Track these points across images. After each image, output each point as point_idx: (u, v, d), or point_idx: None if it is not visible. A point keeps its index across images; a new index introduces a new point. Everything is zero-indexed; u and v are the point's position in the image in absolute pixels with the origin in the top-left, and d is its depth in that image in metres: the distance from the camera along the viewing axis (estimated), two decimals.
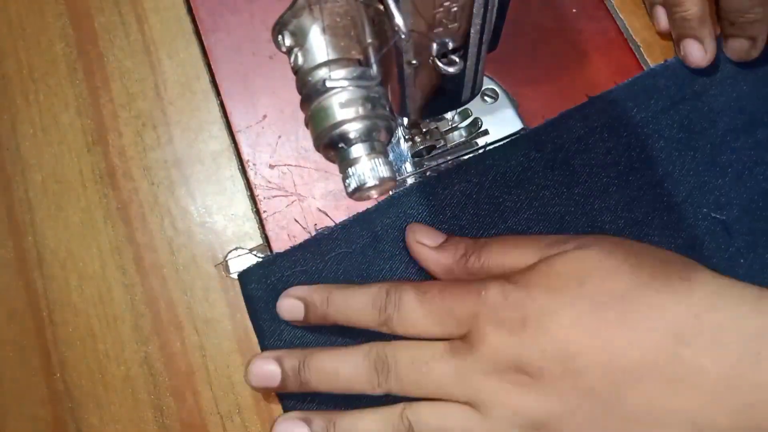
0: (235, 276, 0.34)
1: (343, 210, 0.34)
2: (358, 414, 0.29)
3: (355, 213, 0.33)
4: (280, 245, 0.34)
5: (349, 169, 0.23)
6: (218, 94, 0.37)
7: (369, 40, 0.23)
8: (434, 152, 0.34)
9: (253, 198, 0.35)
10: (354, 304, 0.30)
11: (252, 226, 0.35)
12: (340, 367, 0.29)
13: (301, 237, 0.34)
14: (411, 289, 0.29)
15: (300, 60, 0.23)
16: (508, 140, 0.33)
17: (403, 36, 0.22)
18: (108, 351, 0.34)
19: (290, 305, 0.31)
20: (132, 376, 0.33)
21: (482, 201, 0.32)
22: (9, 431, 0.33)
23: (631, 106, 0.33)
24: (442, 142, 0.33)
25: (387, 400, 0.29)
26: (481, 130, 0.33)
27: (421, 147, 0.33)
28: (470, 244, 0.30)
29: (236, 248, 0.35)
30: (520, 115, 0.35)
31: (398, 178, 0.33)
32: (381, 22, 0.24)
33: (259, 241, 0.35)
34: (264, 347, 0.32)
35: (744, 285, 0.25)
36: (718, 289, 0.25)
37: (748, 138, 0.33)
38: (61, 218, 0.36)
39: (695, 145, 0.33)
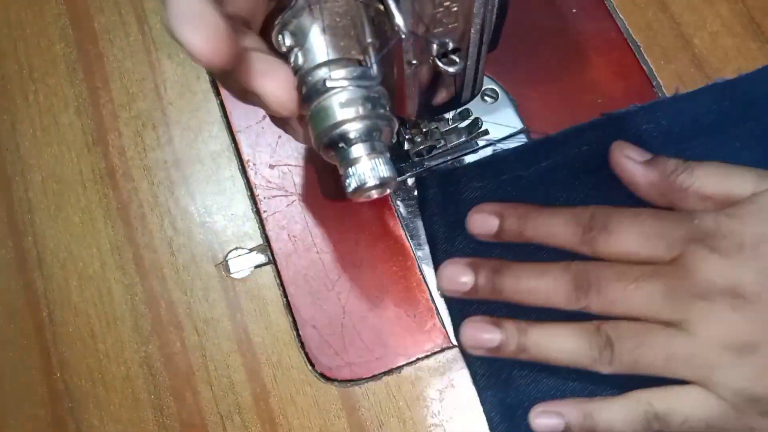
0: (235, 276, 0.34)
1: (344, 210, 0.34)
2: (553, 325, 0.29)
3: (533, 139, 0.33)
4: (280, 245, 0.34)
5: (350, 169, 0.23)
6: (218, 94, 0.37)
7: (369, 40, 0.23)
8: (434, 152, 0.34)
9: (253, 198, 0.35)
10: (555, 220, 0.30)
11: (252, 226, 0.35)
12: (537, 279, 0.29)
13: (302, 237, 0.34)
14: (621, 210, 0.29)
15: (300, 60, 0.23)
16: (700, 89, 0.33)
17: (403, 36, 0.22)
18: (108, 351, 0.34)
19: (484, 219, 0.31)
20: (132, 376, 0.33)
21: (668, 147, 0.32)
22: (9, 431, 0.33)
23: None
24: (442, 142, 0.33)
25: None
26: (481, 130, 0.33)
27: (422, 147, 0.33)
28: (680, 162, 0.30)
29: (236, 248, 0.35)
30: (520, 115, 0.35)
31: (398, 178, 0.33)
32: (381, 22, 0.24)
33: (259, 241, 0.35)
34: (436, 252, 0.32)
35: None
36: None
37: None
38: (60, 218, 0.36)
39: None
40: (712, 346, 0.26)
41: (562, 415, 0.29)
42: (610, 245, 0.29)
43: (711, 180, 0.29)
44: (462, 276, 0.30)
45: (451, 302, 0.32)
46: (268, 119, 0.36)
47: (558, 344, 0.29)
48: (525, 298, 0.29)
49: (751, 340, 0.26)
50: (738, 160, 0.30)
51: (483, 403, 0.31)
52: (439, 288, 0.31)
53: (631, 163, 0.31)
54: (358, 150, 0.23)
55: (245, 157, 0.36)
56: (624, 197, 0.31)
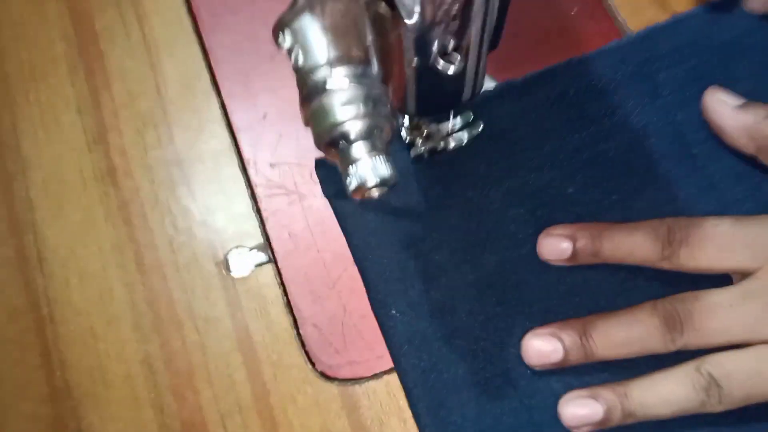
0: (235, 275, 0.34)
1: None
2: (649, 379, 0.28)
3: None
4: (280, 244, 0.34)
5: (350, 167, 0.23)
6: (219, 93, 0.37)
7: (370, 39, 0.23)
8: (436, 154, 0.34)
9: (253, 197, 0.35)
10: (633, 238, 0.29)
11: (253, 224, 0.35)
12: (628, 331, 0.28)
13: (303, 236, 0.34)
14: (700, 221, 0.28)
15: (300, 59, 0.23)
16: (596, 51, 0.34)
17: (408, 26, 0.22)
18: (108, 350, 0.34)
19: (555, 243, 0.30)
20: (132, 375, 0.33)
21: (564, 108, 0.33)
22: (9, 430, 0.33)
23: (717, 30, 0.33)
24: (443, 144, 0.33)
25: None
26: (482, 130, 0.33)
27: (423, 149, 0.33)
28: None
29: (237, 247, 0.35)
30: None
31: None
32: (382, 20, 0.24)
33: (260, 239, 0.35)
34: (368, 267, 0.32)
35: None
36: None
37: None
38: (61, 217, 0.36)
39: None
40: None
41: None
42: (692, 260, 0.28)
43: None
44: (548, 347, 0.29)
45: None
46: (268, 118, 0.36)
47: (661, 398, 0.27)
48: (620, 353, 0.28)
49: None
50: (630, 120, 0.32)
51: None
52: (528, 362, 0.30)
53: (724, 105, 0.30)
54: (358, 149, 0.23)
55: (246, 156, 0.36)
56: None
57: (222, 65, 0.37)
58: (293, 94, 0.24)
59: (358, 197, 0.24)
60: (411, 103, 0.28)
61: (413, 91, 0.27)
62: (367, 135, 0.23)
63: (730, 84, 0.32)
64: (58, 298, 0.35)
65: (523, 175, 0.33)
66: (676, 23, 0.34)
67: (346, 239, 0.33)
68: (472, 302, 0.31)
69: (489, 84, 0.35)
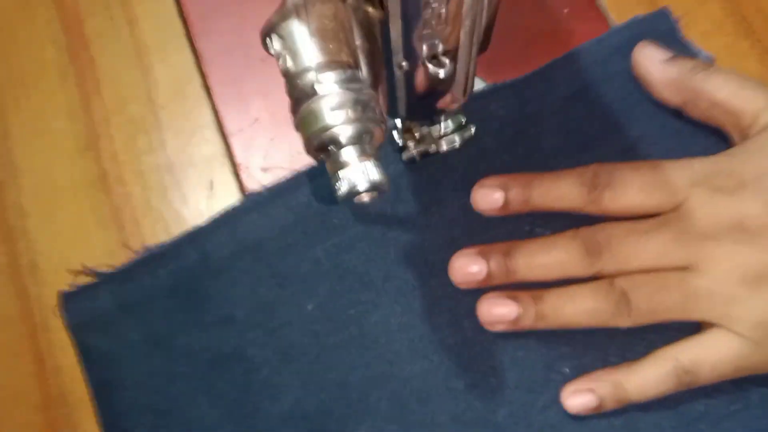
0: None
1: None
2: (565, 289, 0.29)
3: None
4: None
5: (340, 172, 0.23)
6: (210, 97, 0.37)
7: (358, 43, 0.23)
8: (427, 157, 0.33)
9: None
10: (560, 184, 0.30)
11: None
12: (548, 253, 0.29)
13: None
14: (622, 165, 0.29)
15: (289, 63, 0.23)
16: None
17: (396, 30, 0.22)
18: None
19: (487, 193, 0.31)
20: None
21: None
22: None
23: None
24: (435, 147, 0.33)
25: None
26: (472, 133, 0.33)
27: (414, 152, 0.32)
28: (700, 62, 0.31)
29: None
30: None
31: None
32: (370, 24, 0.24)
33: None
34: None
35: None
36: None
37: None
38: (54, 224, 0.36)
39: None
40: (726, 282, 0.27)
41: (594, 390, 0.29)
42: (615, 201, 0.29)
43: (725, 87, 0.29)
44: (473, 266, 0.30)
45: None
46: (260, 122, 0.36)
47: (575, 306, 0.29)
48: (541, 275, 0.30)
49: (762, 272, 0.27)
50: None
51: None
52: (453, 281, 0.31)
53: (651, 60, 0.31)
54: (348, 154, 0.23)
55: (238, 160, 0.35)
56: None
57: (214, 69, 0.37)
58: (285, 98, 0.24)
59: (348, 203, 0.24)
60: (401, 107, 0.28)
61: (403, 94, 0.26)
62: (357, 140, 0.23)
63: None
64: (51, 305, 0.34)
65: None
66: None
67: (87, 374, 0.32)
68: None
69: (480, 86, 0.35)
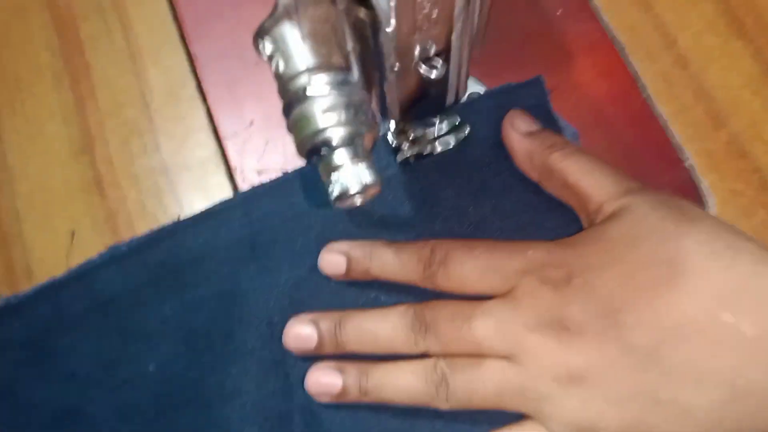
0: None
1: None
2: (392, 365, 0.29)
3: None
4: None
5: (333, 175, 0.23)
6: (205, 101, 0.37)
7: (350, 46, 0.23)
8: (422, 159, 0.33)
9: None
10: (399, 258, 0.30)
11: None
12: (377, 327, 0.29)
13: None
14: (458, 245, 0.29)
15: (281, 67, 0.23)
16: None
17: (388, 32, 0.22)
18: None
19: (332, 258, 0.31)
20: None
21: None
22: None
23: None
24: (429, 148, 0.33)
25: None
26: (466, 134, 0.33)
27: (409, 154, 0.33)
28: (563, 141, 0.30)
29: None
30: None
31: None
32: (362, 26, 0.24)
33: None
34: None
35: None
36: (762, 258, 0.25)
37: None
38: (48, 228, 0.36)
39: None
40: (541, 378, 0.26)
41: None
42: (448, 280, 0.29)
43: (577, 171, 0.29)
44: (304, 330, 0.30)
45: None
46: (255, 125, 0.36)
47: (397, 384, 0.28)
48: (369, 348, 0.29)
49: (576, 372, 0.26)
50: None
51: None
52: (287, 348, 0.30)
53: (514, 131, 0.31)
54: (340, 156, 0.23)
55: (233, 163, 0.36)
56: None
57: (208, 72, 0.37)
58: (279, 101, 0.24)
59: (341, 205, 0.24)
60: (394, 109, 0.28)
61: (396, 96, 0.27)
62: (349, 142, 0.23)
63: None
64: None
65: None
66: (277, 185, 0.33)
67: None
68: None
69: (474, 87, 0.35)
